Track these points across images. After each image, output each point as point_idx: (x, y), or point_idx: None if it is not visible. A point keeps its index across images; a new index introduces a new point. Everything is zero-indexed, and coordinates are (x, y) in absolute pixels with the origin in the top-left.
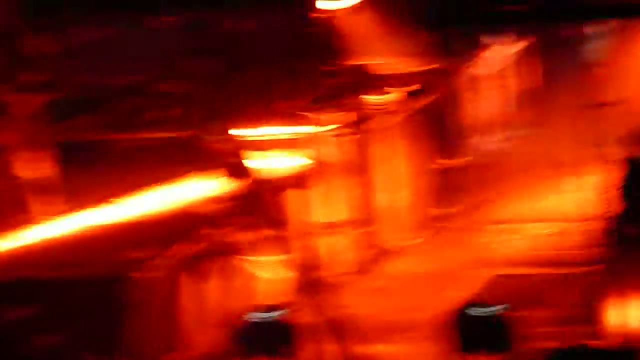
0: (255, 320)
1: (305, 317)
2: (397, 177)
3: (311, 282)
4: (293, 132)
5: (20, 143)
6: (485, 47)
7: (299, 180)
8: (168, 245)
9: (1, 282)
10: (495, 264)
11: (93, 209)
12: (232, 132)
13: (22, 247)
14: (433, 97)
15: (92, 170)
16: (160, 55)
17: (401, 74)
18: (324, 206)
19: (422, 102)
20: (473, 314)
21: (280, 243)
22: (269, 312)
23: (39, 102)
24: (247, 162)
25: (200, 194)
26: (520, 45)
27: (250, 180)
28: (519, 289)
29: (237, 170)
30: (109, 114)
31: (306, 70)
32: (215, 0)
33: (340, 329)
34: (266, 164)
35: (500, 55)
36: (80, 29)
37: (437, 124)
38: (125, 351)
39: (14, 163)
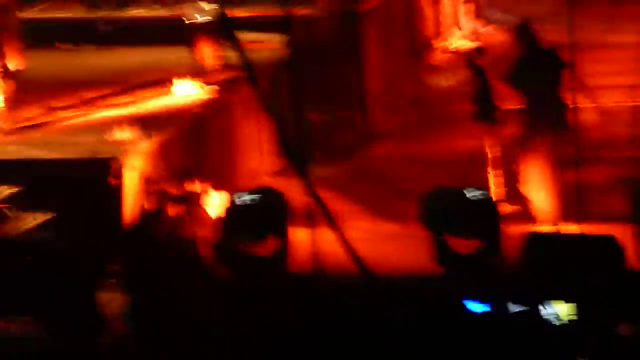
0: (240, 203)
1: (294, 198)
2: (388, 58)
3: (297, 164)
4: None
5: None
6: None
7: None
8: None
9: None
10: None
11: None
12: None
13: None
14: None
15: None
16: None
17: None
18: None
19: None
20: (457, 196)
21: None
22: (255, 194)
23: None
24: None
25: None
26: None
27: None
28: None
29: None
30: None
31: None
32: None
33: (329, 210)
34: None
35: None
36: None
37: None
38: None
39: None
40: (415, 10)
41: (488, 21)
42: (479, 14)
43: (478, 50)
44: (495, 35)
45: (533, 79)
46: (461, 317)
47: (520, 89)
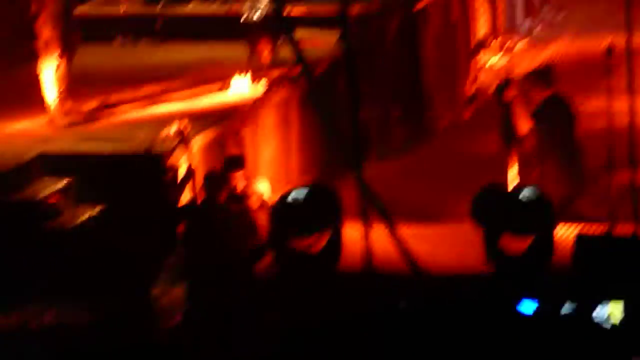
0: (291, 199)
1: (348, 194)
2: (442, 58)
3: (352, 160)
4: None
5: None
6: None
7: None
8: None
9: None
10: None
11: None
12: None
13: None
14: None
15: None
16: None
17: None
18: None
19: None
20: (508, 194)
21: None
22: (306, 190)
23: None
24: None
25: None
26: None
27: None
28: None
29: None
30: None
31: None
32: None
33: (383, 207)
34: None
35: None
36: None
37: None
38: None
39: None
40: (471, 9)
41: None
42: (533, 13)
43: (506, 83)
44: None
45: (550, 122)
46: (511, 317)
47: (539, 127)
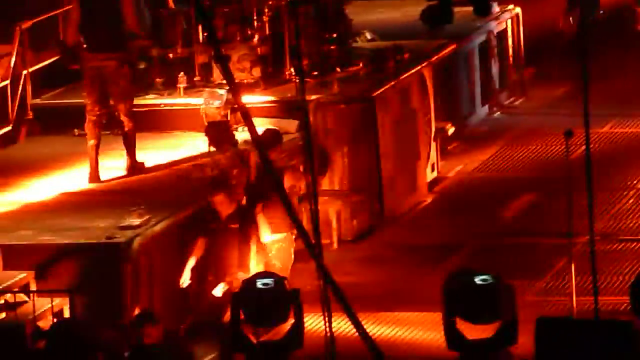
0: (255, 286)
1: (307, 284)
2: (402, 144)
3: (312, 248)
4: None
5: None
6: None
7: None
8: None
9: None
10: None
11: None
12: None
13: None
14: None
15: None
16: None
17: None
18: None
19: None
20: (467, 281)
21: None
22: (269, 278)
23: None
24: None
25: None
26: None
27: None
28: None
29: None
30: None
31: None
32: None
33: (343, 296)
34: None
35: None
36: None
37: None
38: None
39: None
40: (430, 95)
41: None
42: (492, 99)
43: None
44: None
45: None
46: None
47: None
